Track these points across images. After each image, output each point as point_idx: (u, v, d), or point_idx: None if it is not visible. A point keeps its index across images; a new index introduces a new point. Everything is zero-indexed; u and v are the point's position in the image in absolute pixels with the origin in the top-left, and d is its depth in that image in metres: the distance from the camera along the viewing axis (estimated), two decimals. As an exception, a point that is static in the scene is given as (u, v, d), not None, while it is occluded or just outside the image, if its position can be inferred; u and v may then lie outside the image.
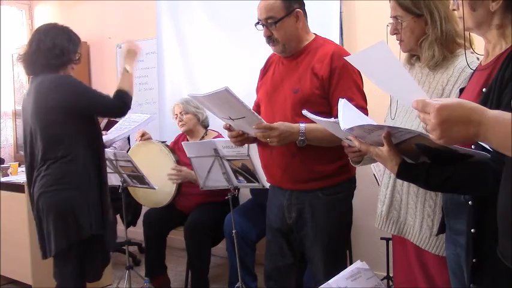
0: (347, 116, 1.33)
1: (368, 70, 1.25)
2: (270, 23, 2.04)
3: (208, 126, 3.50)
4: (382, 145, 1.25)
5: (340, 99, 1.45)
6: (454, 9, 1.32)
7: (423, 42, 1.70)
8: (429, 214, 1.69)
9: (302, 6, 2.10)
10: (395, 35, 1.75)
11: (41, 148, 2.35)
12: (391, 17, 1.75)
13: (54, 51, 2.38)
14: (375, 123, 1.27)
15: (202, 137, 3.42)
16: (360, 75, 2.08)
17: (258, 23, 2.09)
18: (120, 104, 2.45)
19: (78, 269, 2.41)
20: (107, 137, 3.12)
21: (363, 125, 1.24)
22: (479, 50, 1.41)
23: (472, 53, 1.64)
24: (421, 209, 1.72)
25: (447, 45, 1.69)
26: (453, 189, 1.25)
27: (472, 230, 1.20)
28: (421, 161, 1.27)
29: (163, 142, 3.41)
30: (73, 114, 2.35)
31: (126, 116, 3.04)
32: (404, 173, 1.26)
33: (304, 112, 1.68)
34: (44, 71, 2.39)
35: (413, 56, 1.82)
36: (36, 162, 2.39)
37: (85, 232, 2.35)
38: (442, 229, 1.52)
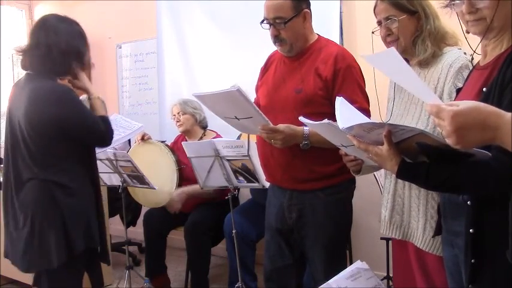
0: (345, 114, 1.32)
1: (384, 71, 1.22)
2: (279, 22, 2.02)
3: (206, 126, 3.51)
4: (381, 144, 1.25)
5: (337, 97, 1.44)
6: (470, 12, 1.23)
7: (417, 39, 1.73)
8: (432, 215, 1.69)
9: (309, 6, 2.10)
10: (387, 38, 1.76)
11: (37, 152, 2.08)
12: (380, 20, 1.77)
13: (67, 56, 2.11)
14: (376, 121, 1.26)
15: (201, 138, 3.43)
16: (363, 77, 2.08)
17: (262, 21, 2.07)
18: (111, 134, 2.23)
19: (81, 283, 2.24)
20: None
21: (362, 124, 1.23)
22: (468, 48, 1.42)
23: (459, 49, 1.69)
24: (424, 211, 1.72)
25: (437, 42, 1.72)
26: (453, 189, 1.25)
27: (471, 230, 1.20)
28: (420, 160, 1.27)
29: (162, 142, 3.42)
30: (66, 130, 2.10)
31: (112, 115, 2.78)
32: (404, 172, 1.25)
33: (301, 118, 1.67)
34: (46, 75, 2.10)
35: None
36: (28, 165, 2.10)
37: (94, 242, 2.17)
38: (438, 231, 1.52)
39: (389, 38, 1.76)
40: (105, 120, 2.24)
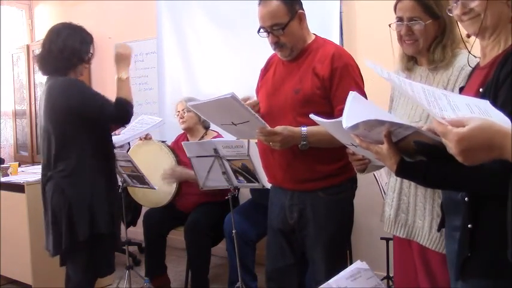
0: (353, 110, 1.30)
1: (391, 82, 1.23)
2: (276, 29, 2.01)
3: (209, 127, 3.51)
4: (382, 143, 1.27)
5: (350, 92, 1.41)
6: (464, 12, 1.28)
7: (436, 44, 1.71)
8: (438, 214, 1.68)
9: (302, 6, 2.09)
10: (404, 36, 1.73)
11: (55, 147, 2.40)
12: (402, 16, 1.72)
13: (64, 53, 2.41)
14: (380, 117, 1.24)
15: (202, 137, 3.43)
16: (361, 75, 2.08)
17: (259, 30, 2.06)
18: (123, 113, 2.44)
19: (90, 264, 2.47)
20: (119, 137, 3.18)
21: (364, 121, 1.22)
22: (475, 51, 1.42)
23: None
24: (430, 210, 1.72)
25: (454, 48, 1.71)
26: (451, 187, 1.28)
27: (469, 226, 1.23)
28: (418, 159, 1.28)
29: (163, 142, 3.42)
30: (80, 117, 2.37)
31: (140, 117, 3.26)
32: (403, 171, 1.27)
33: (311, 116, 1.65)
34: (54, 73, 2.44)
35: (410, 60, 1.82)
36: (51, 161, 2.43)
37: (98, 229, 2.40)
38: (442, 225, 1.54)
39: (408, 38, 1.73)
40: (120, 102, 2.44)
